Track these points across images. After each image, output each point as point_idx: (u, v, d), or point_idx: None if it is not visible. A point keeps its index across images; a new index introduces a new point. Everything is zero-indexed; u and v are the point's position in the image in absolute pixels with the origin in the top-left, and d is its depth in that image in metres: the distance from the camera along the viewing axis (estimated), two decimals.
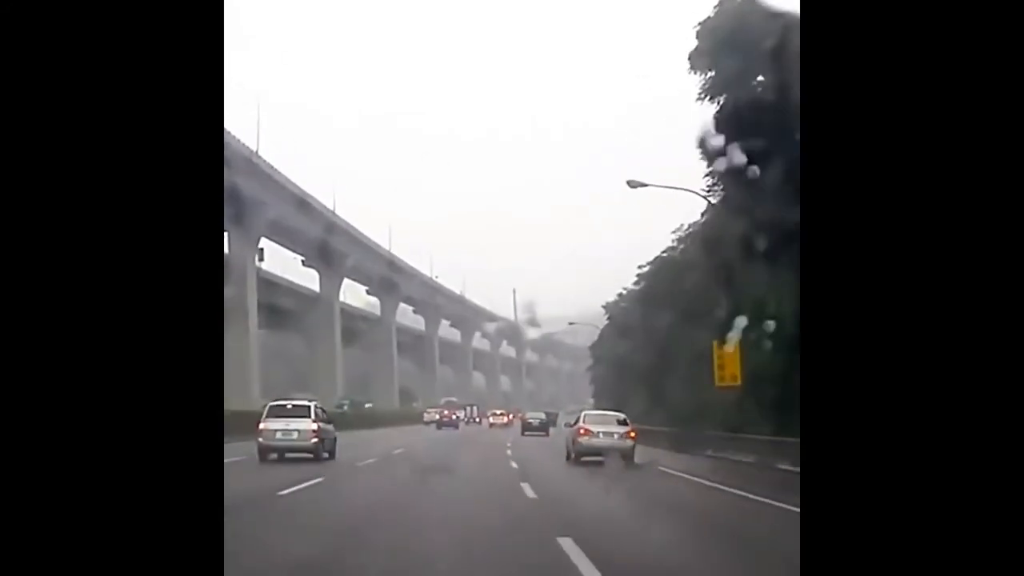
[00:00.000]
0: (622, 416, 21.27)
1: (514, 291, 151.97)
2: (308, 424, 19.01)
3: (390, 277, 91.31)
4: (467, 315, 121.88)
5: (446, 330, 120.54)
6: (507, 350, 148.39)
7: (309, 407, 19.68)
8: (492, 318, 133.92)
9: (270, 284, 66.47)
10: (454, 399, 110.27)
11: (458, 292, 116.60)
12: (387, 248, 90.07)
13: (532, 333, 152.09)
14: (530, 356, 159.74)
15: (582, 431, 19.91)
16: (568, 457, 20.55)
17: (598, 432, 19.73)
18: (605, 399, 52.66)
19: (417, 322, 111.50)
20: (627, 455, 19.25)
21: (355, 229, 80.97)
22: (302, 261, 76.96)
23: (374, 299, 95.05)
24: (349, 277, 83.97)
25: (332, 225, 73.96)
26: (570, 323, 42.36)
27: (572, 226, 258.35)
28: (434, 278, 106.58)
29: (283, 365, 78.65)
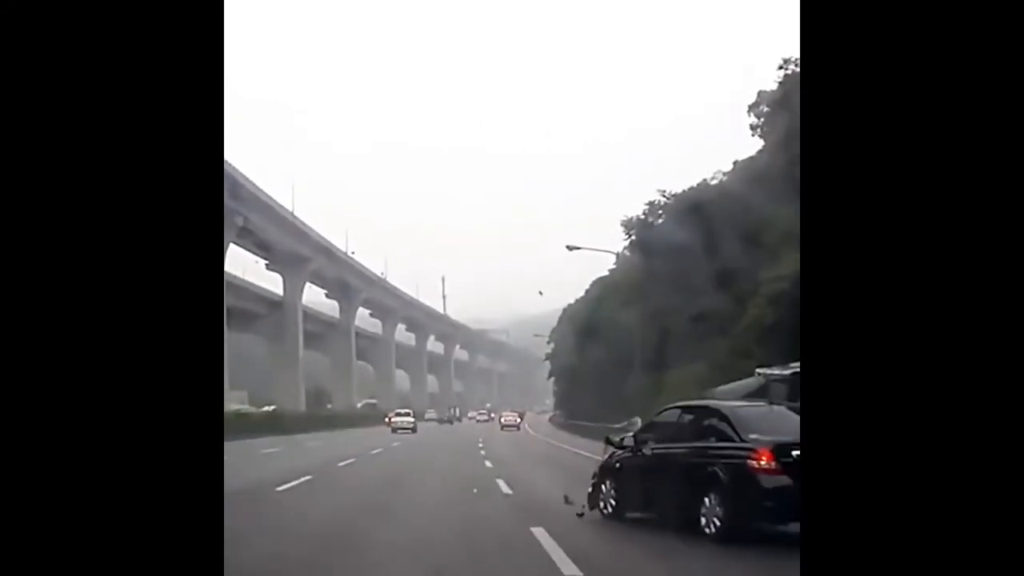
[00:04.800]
0: (520, 411, 73.27)
1: (443, 279, 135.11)
2: (411, 418, 49.18)
3: (294, 249, 72.32)
4: (390, 302, 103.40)
5: (365, 320, 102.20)
6: (434, 346, 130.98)
7: (411, 412, 53.25)
8: (421, 308, 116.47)
9: None
10: (374, 401, 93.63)
11: (379, 273, 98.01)
12: (288, 207, 71.30)
13: (464, 327, 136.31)
14: (459, 354, 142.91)
15: (502, 418, 63.45)
16: (500, 428, 53.91)
17: (511, 418, 61.23)
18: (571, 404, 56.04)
19: (331, 308, 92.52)
20: (518, 427, 56.48)
21: (249, 180, 62.43)
22: None
23: (276, 275, 75.84)
24: (237, 243, 64.90)
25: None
26: (568, 247, 25.90)
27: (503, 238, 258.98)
28: (350, 254, 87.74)
29: None
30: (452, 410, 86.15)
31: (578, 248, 28.44)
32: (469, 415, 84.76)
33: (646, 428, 9.96)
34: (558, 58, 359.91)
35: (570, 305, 69.68)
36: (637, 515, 9.35)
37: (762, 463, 7.66)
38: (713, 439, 8.39)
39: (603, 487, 9.95)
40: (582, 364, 49.32)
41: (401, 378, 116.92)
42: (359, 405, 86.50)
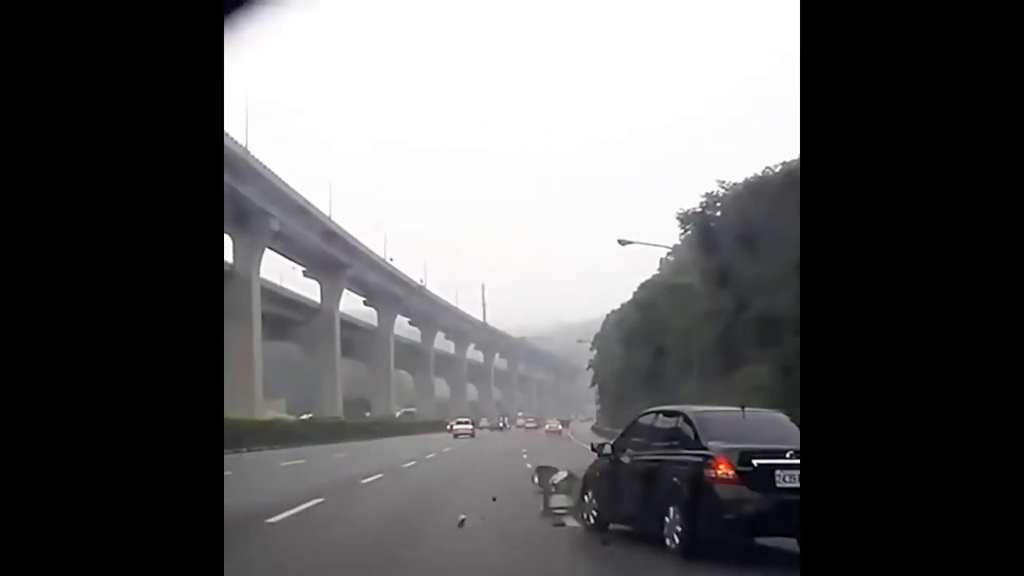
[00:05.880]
0: (564, 420, 78.84)
1: (483, 287, 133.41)
2: (470, 426, 54.89)
3: (332, 255, 70.98)
4: (429, 310, 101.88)
5: (404, 328, 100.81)
6: (473, 354, 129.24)
7: (470, 420, 59.43)
8: (461, 316, 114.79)
9: None
10: (413, 409, 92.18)
11: (418, 280, 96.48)
12: (324, 211, 69.91)
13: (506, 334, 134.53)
14: (498, 362, 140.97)
15: (547, 424, 70.54)
16: (545, 434, 56.53)
17: (555, 425, 66.91)
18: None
19: (369, 316, 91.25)
20: (561, 432, 59.25)
21: (283, 182, 61.19)
22: None
23: (313, 282, 74.58)
24: (273, 249, 63.68)
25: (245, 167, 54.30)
26: (620, 241, 23.71)
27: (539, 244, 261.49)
28: (388, 260, 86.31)
29: None
30: (502, 418, 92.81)
31: (630, 243, 26.28)
32: (518, 423, 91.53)
33: (625, 434, 9.19)
34: (590, 52, 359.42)
35: (614, 311, 68.00)
36: (620, 527, 8.67)
37: (719, 472, 7.11)
38: (678, 446, 7.83)
39: (585, 497, 9.46)
40: (629, 370, 47.19)
41: (440, 386, 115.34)
42: (398, 414, 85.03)
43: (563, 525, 9.66)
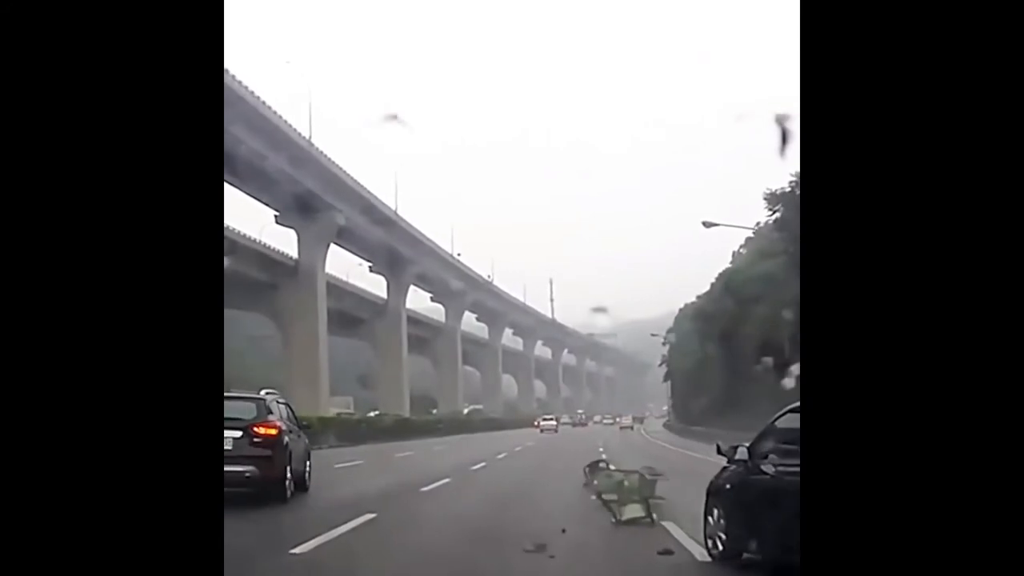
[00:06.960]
0: (637, 415, 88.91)
1: (550, 282, 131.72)
2: (554, 422, 65.80)
3: (398, 250, 69.96)
4: (496, 306, 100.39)
5: (471, 324, 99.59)
6: (542, 351, 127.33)
7: (554, 415, 74.21)
8: (529, 312, 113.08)
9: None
10: (480, 407, 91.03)
11: (486, 276, 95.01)
12: (391, 207, 68.87)
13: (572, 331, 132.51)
14: (567, 358, 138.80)
15: (623, 421, 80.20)
16: (620, 429, 67.81)
17: (628, 421, 79.17)
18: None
19: (436, 312, 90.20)
20: (633, 427, 72.67)
21: (350, 177, 60.26)
22: (275, 217, 56.52)
23: (380, 278, 73.72)
24: (338, 244, 62.86)
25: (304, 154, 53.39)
26: (705, 223, 21.52)
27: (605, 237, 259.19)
28: (455, 256, 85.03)
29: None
30: (581, 415, 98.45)
31: (714, 224, 24.09)
32: (595, 419, 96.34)
33: (763, 436, 7.19)
34: (670, 36, 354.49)
35: (687, 304, 65.73)
36: (754, 556, 6.78)
37: None
38: None
39: (711, 516, 7.57)
40: (706, 364, 44.80)
41: (507, 383, 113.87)
42: (465, 411, 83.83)
43: (671, 553, 7.73)
